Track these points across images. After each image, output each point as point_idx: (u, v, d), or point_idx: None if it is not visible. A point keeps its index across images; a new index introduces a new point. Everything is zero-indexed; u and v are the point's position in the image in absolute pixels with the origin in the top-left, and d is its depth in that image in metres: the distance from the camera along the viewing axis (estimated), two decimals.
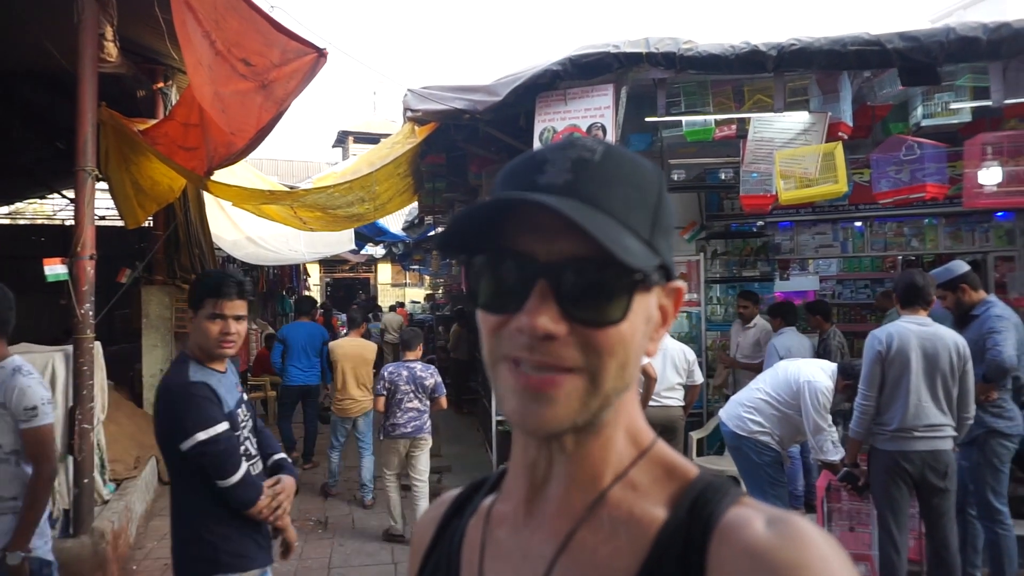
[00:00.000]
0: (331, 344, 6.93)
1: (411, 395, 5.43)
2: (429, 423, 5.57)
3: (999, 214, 6.47)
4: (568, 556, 0.63)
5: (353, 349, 6.74)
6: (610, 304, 0.60)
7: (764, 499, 3.71)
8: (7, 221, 16.34)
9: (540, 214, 0.58)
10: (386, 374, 5.51)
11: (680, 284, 0.67)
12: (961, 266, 4.31)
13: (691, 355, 5.45)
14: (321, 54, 3.94)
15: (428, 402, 5.54)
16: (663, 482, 0.65)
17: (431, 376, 5.56)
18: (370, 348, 6.94)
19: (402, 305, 19.94)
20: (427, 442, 5.57)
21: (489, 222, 0.61)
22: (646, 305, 0.63)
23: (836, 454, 4.11)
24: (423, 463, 5.57)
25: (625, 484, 0.65)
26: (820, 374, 4.27)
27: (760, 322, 6.38)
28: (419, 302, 23.13)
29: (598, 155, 0.61)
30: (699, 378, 5.46)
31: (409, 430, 5.41)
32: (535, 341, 0.59)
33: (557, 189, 0.60)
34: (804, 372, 4.28)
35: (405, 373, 5.46)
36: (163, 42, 5.55)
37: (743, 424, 4.34)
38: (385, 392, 5.43)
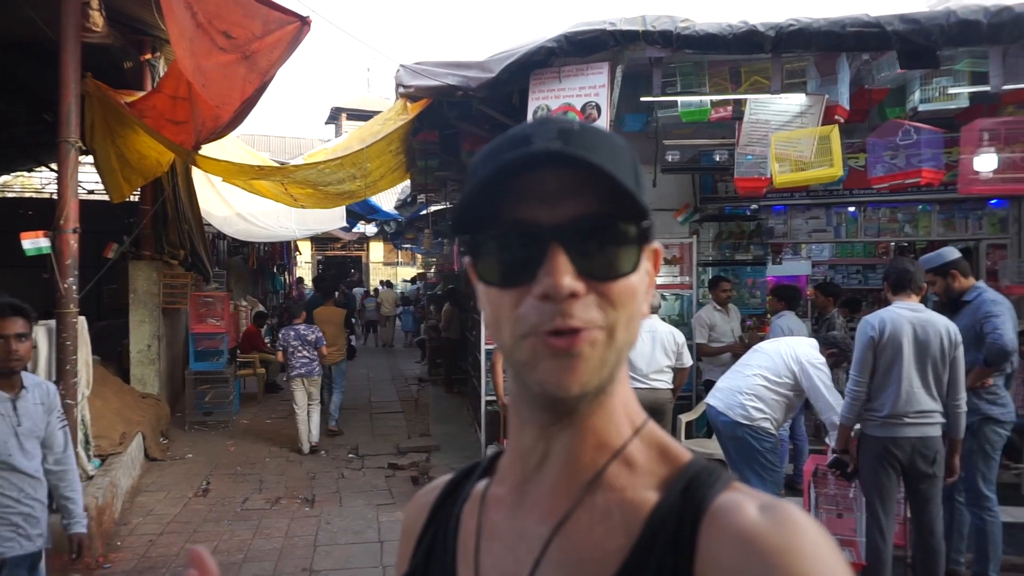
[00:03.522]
0: (315, 311, 8.61)
1: (299, 347, 7.53)
2: (318, 367, 7.69)
3: (993, 201, 6.45)
4: (563, 536, 0.63)
5: (327, 314, 8.54)
6: (623, 255, 0.61)
7: (761, 485, 3.68)
8: None
9: (541, 180, 0.59)
10: (280, 335, 7.79)
11: (658, 245, 0.68)
12: (952, 252, 4.28)
13: (680, 338, 5.40)
14: (304, 22, 3.88)
15: (315, 352, 7.62)
16: (657, 463, 0.66)
17: (312, 333, 7.66)
18: (339, 313, 8.86)
19: (389, 284, 20.62)
20: (318, 381, 7.76)
21: (489, 197, 0.61)
22: (646, 260, 0.64)
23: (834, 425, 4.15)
24: (315, 395, 7.71)
25: (621, 462, 0.65)
26: (812, 350, 4.29)
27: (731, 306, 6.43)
28: (408, 281, 23.16)
29: (577, 125, 0.62)
30: (688, 361, 5.44)
31: (303, 372, 7.53)
32: (560, 304, 0.59)
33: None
34: (799, 351, 4.28)
35: (292, 333, 7.60)
36: (150, 12, 5.44)
37: (746, 412, 4.28)
38: (281, 348, 7.64)
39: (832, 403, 4.10)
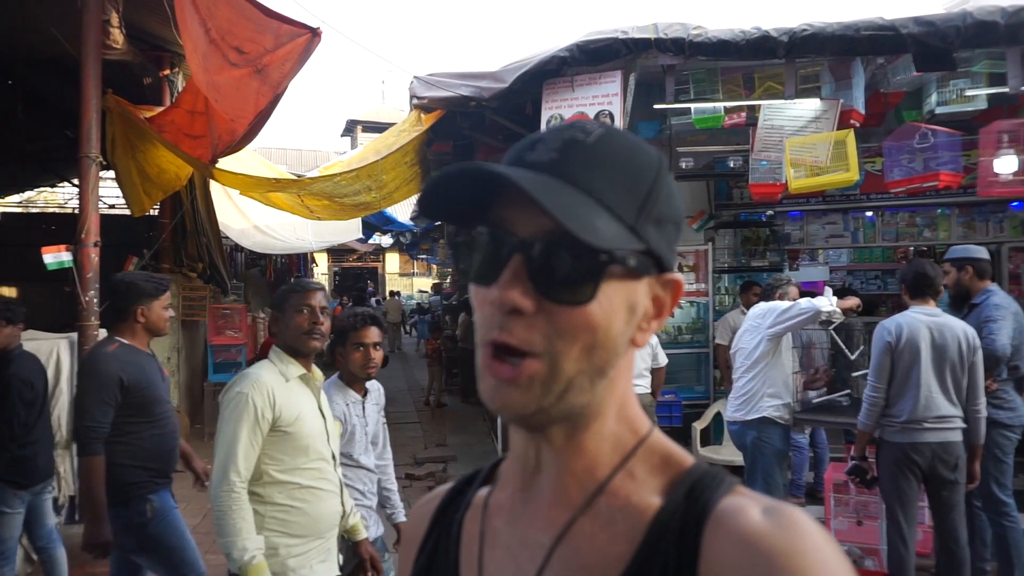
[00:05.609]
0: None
1: None
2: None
3: (1014, 204, 6.36)
4: (565, 544, 0.64)
5: None
6: (577, 284, 0.59)
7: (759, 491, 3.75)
8: (19, 209, 16.44)
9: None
10: None
11: (678, 277, 0.66)
12: (980, 251, 4.26)
13: (653, 339, 5.46)
14: (315, 33, 3.93)
15: None
16: (660, 471, 0.66)
17: None
18: None
19: (398, 294, 21.56)
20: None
21: (480, 196, 0.62)
22: (628, 292, 0.62)
23: (829, 303, 4.23)
24: None
25: (624, 473, 0.65)
26: (764, 306, 4.53)
27: None
28: (426, 291, 23.32)
29: (592, 137, 0.62)
30: (663, 359, 5.45)
31: None
32: (504, 318, 0.59)
33: (539, 166, 0.61)
34: (760, 311, 4.51)
35: None
36: (169, 29, 5.52)
37: (745, 416, 4.39)
38: None
39: (799, 310, 4.25)
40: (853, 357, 5.02)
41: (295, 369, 2.50)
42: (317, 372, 2.61)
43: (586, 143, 0.61)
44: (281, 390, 2.42)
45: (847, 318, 4.73)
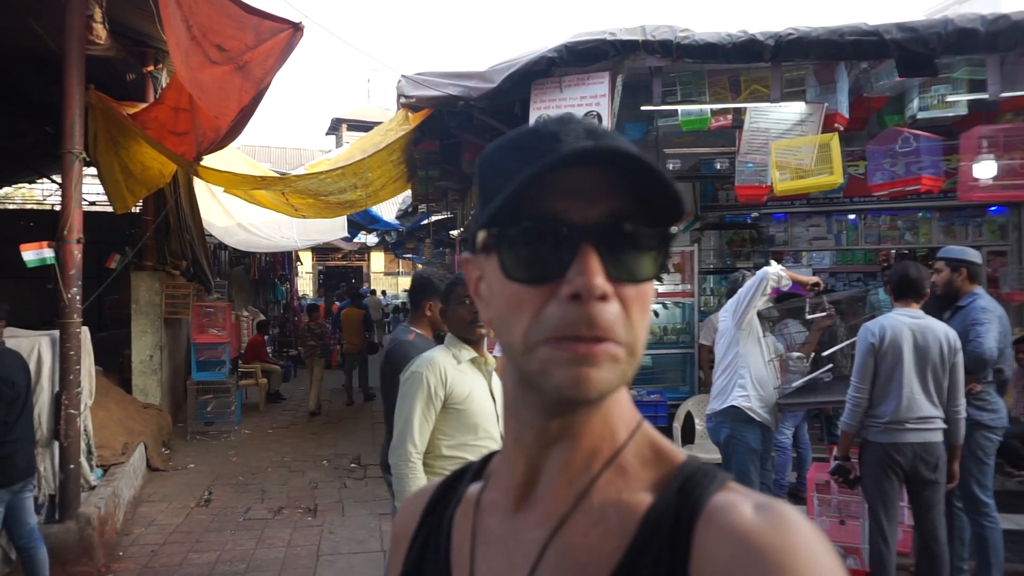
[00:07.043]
0: (341, 312, 12.00)
1: (309, 338, 10.72)
2: (320, 350, 10.52)
3: (992, 208, 6.47)
4: (559, 540, 0.63)
5: (350, 314, 11.44)
6: (647, 259, 0.61)
7: None
8: None
9: (575, 178, 0.58)
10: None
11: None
12: (975, 254, 4.29)
13: None
14: (297, 28, 3.91)
15: (321, 341, 10.62)
16: (652, 465, 0.65)
17: (319, 328, 10.84)
18: (359, 313, 11.51)
19: (382, 293, 21.66)
20: (321, 361, 10.53)
21: (522, 191, 0.58)
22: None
23: (775, 269, 4.29)
24: (317, 372, 10.35)
25: (616, 466, 0.65)
26: (724, 307, 4.62)
27: None
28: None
29: (600, 127, 0.63)
30: None
31: (308, 353, 10.61)
32: (589, 306, 0.58)
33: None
34: (724, 307, 4.60)
35: (304, 326, 11.15)
36: (153, 25, 5.46)
37: (718, 407, 4.39)
38: (298, 337, 10.76)
39: (749, 290, 4.27)
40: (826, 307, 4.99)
41: (467, 353, 2.72)
42: (490, 357, 2.79)
43: (600, 131, 0.61)
44: (453, 371, 2.65)
45: (812, 298, 4.79)
